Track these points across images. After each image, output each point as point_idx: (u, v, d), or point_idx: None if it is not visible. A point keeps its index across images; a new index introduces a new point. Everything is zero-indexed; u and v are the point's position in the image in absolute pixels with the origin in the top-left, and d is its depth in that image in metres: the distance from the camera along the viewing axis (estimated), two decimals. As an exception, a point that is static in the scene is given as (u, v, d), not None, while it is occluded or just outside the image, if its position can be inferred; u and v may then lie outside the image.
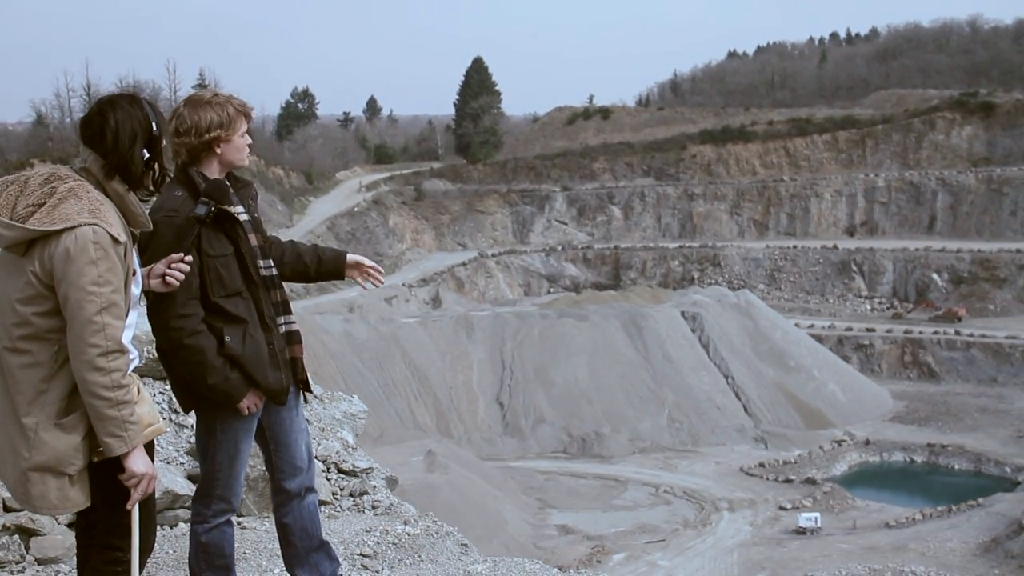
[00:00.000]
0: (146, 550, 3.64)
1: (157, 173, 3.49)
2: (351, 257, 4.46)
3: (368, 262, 4.47)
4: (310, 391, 4.39)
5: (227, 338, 3.92)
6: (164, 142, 3.50)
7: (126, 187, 3.40)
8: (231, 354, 3.92)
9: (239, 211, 4.02)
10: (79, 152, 3.47)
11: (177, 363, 3.95)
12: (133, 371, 3.53)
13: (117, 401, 3.24)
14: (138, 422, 3.35)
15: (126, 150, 3.35)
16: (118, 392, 3.25)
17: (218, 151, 3.99)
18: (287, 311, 4.20)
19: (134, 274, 3.45)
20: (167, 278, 3.76)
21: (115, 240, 3.25)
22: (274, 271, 4.16)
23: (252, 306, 4.02)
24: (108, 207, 3.31)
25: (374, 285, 4.53)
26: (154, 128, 3.41)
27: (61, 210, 3.21)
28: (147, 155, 3.41)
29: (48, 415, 3.27)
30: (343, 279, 4.58)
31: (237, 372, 3.95)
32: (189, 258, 3.82)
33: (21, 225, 3.21)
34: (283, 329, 4.15)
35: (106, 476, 3.40)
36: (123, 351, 3.28)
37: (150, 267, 3.80)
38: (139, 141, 3.37)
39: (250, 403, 4.06)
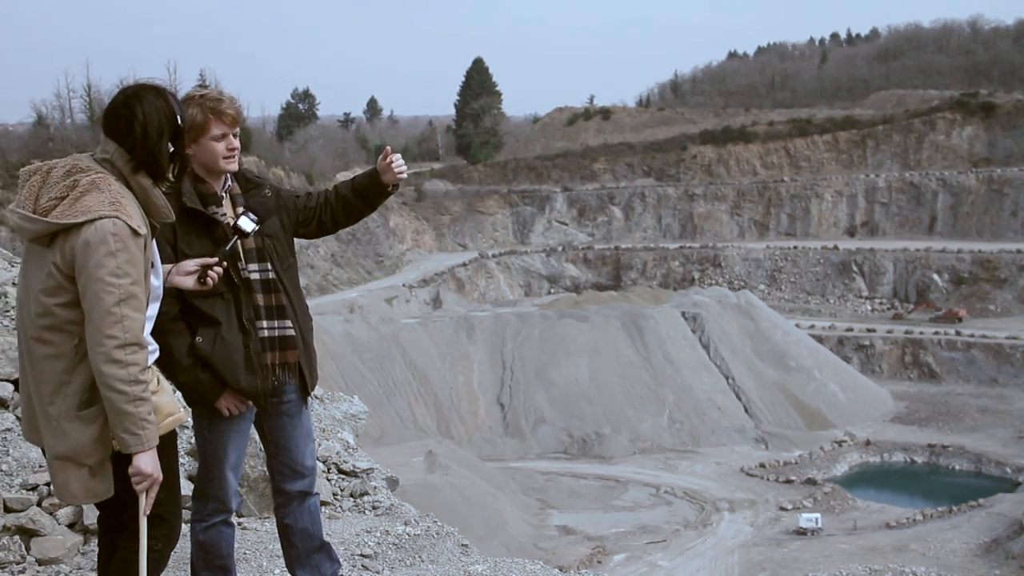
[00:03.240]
0: (173, 539, 3.69)
1: (179, 165, 3.48)
2: (380, 166, 4.33)
3: (387, 159, 4.30)
4: (307, 393, 4.29)
5: (198, 338, 3.90)
6: (206, 137, 3.50)
7: (151, 181, 3.41)
8: (200, 354, 3.90)
9: (220, 212, 3.97)
10: (100, 142, 3.46)
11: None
12: (153, 364, 3.55)
13: (134, 396, 3.23)
14: (155, 422, 3.35)
15: (154, 144, 3.34)
16: (135, 387, 3.23)
17: (189, 152, 3.90)
18: (280, 316, 4.10)
19: (153, 267, 3.46)
20: (208, 280, 3.78)
21: (135, 232, 3.25)
22: (270, 274, 4.07)
23: (232, 308, 3.97)
24: (129, 200, 3.31)
25: (402, 175, 4.33)
26: (179, 120, 3.40)
27: (83, 203, 3.22)
28: (171, 148, 3.39)
29: (70, 406, 3.28)
30: (385, 189, 4.36)
31: (208, 373, 3.93)
32: (225, 263, 3.85)
33: (44, 219, 3.23)
34: (265, 334, 4.06)
35: (122, 469, 3.41)
36: (141, 345, 3.27)
37: (180, 264, 3.80)
38: (166, 134, 3.36)
39: (228, 405, 4.04)
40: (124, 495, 3.44)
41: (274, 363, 4.11)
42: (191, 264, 3.78)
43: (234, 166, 4.05)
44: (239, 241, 3.98)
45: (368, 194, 4.33)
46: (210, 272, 3.77)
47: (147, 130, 3.33)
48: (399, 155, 4.30)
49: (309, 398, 4.40)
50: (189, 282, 3.78)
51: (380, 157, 4.28)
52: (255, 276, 4.05)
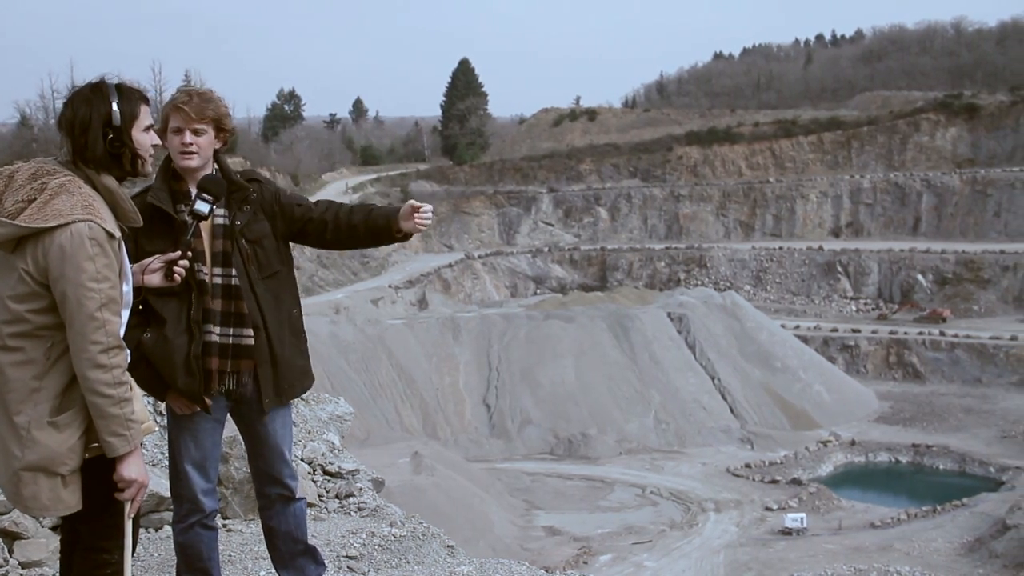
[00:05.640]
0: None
1: (129, 157, 3.40)
2: (404, 211, 4.09)
3: (416, 204, 4.08)
4: (263, 411, 4.15)
5: (145, 335, 3.88)
6: (138, 126, 3.42)
7: (116, 182, 3.38)
8: (144, 351, 3.87)
9: (204, 208, 3.92)
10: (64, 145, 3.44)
11: None
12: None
13: (119, 399, 3.21)
14: (139, 420, 3.32)
15: (78, 137, 3.31)
16: (119, 389, 3.21)
17: (165, 145, 3.95)
18: (238, 324, 4.02)
19: (122, 272, 3.42)
20: (176, 276, 3.76)
21: (110, 235, 3.22)
22: (233, 280, 4.00)
23: (184, 308, 3.93)
24: (100, 203, 3.28)
25: (423, 226, 4.10)
26: (114, 112, 3.34)
27: (53, 206, 3.17)
28: (111, 136, 3.33)
29: (41, 413, 3.21)
30: (396, 236, 4.15)
31: (152, 370, 3.91)
32: (190, 254, 3.82)
33: (12, 222, 3.16)
34: (216, 339, 3.99)
35: (92, 477, 3.35)
36: (122, 347, 3.25)
37: (144, 262, 3.78)
38: (93, 128, 3.30)
39: (177, 404, 4.03)
40: (86, 506, 3.39)
41: (223, 370, 4.03)
42: (156, 262, 3.76)
43: (189, 163, 3.97)
44: (203, 241, 3.96)
45: (377, 234, 4.18)
46: (175, 268, 3.76)
47: (74, 124, 3.31)
48: (430, 207, 4.12)
49: (273, 405, 4.19)
50: (156, 279, 3.77)
51: (408, 204, 4.11)
52: (217, 281, 3.99)
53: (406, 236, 4.17)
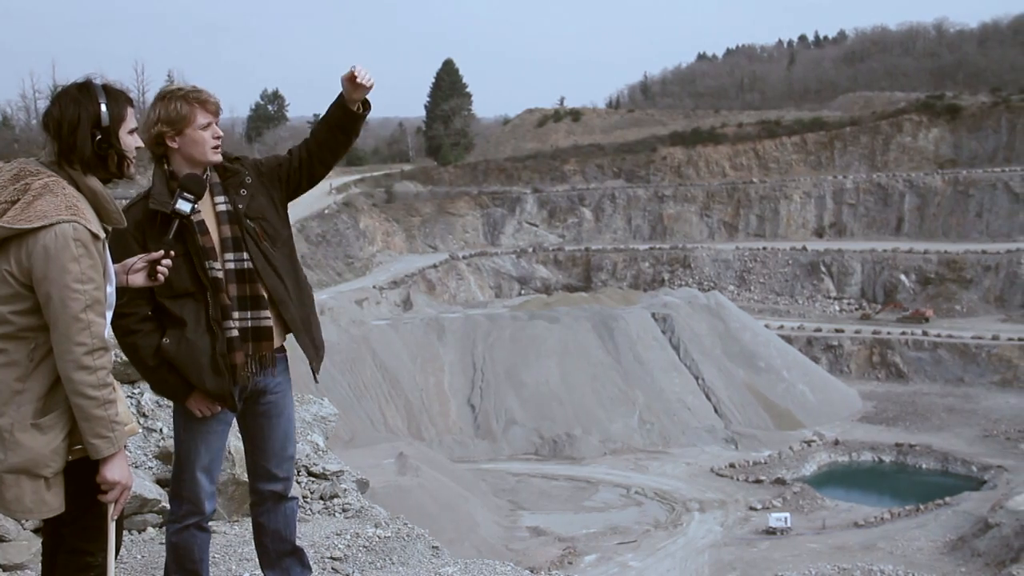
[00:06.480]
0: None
1: (117, 158, 3.39)
2: (344, 86, 4.09)
3: (351, 71, 4.06)
4: (316, 364, 4.24)
5: (165, 340, 3.87)
6: (124, 128, 3.41)
7: (101, 183, 3.35)
8: (166, 356, 3.87)
9: (186, 207, 3.89)
10: (47, 145, 3.41)
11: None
12: None
13: (103, 400, 3.19)
14: (123, 423, 3.31)
15: (67, 137, 3.29)
16: (104, 391, 3.19)
17: (172, 146, 3.92)
18: (255, 307, 4.03)
19: (106, 274, 3.40)
20: (159, 276, 3.74)
21: (95, 236, 3.21)
22: (246, 264, 4.01)
23: (201, 308, 3.92)
24: (84, 204, 3.25)
25: (367, 84, 4.08)
26: (103, 113, 3.33)
27: (37, 207, 3.15)
28: (98, 137, 3.31)
29: (24, 415, 3.19)
30: (357, 112, 4.17)
31: (174, 374, 3.91)
32: (172, 253, 3.78)
33: None
34: (235, 330, 3.98)
35: (75, 478, 3.34)
36: (107, 348, 3.23)
37: (126, 262, 3.75)
38: (82, 128, 3.29)
39: (199, 406, 4.01)
40: (69, 509, 3.37)
41: (248, 355, 4.04)
42: (140, 262, 3.74)
43: (219, 157, 4.01)
44: (210, 237, 3.95)
45: (340, 123, 4.21)
46: (158, 267, 3.73)
47: (61, 124, 3.29)
48: (358, 65, 4.09)
49: (319, 368, 4.30)
50: (140, 279, 3.73)
51: (344, 77, 4.09)
52: (231, 266, 3.99)
53: (363, 108, 4.19)
